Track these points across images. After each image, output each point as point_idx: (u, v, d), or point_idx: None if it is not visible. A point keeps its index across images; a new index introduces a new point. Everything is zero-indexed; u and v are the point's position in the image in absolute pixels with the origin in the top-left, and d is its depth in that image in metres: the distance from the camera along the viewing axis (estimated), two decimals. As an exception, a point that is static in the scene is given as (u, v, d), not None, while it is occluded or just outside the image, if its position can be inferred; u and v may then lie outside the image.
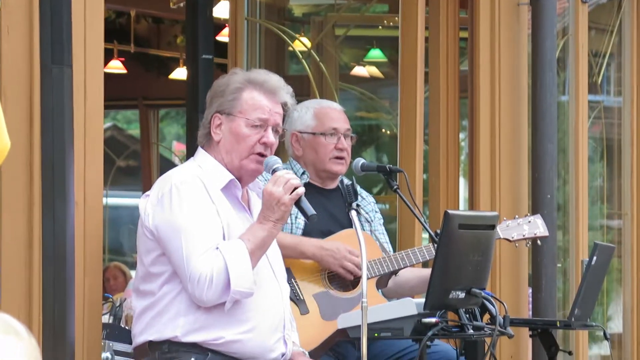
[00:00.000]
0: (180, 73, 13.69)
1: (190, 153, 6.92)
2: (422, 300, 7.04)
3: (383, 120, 9.75)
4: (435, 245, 7.17)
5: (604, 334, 9.65)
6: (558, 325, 7.91)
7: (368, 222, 7.52)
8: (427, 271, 7.23)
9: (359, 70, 10.57)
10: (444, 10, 8.40)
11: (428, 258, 7.37)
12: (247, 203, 6.65)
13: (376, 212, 7.83)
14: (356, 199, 7.37)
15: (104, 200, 6.85)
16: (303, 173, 7.41)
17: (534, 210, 8.15)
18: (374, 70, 10.48)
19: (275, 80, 6.69)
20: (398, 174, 7.63)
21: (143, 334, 6.55)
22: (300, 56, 9.84)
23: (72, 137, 6.37)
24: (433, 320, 6.97)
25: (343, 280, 7.30)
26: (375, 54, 10.47)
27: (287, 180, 6.27)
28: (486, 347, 7.25)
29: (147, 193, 6.62)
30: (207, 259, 6.24)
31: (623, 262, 9.98)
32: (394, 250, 7.73)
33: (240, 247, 6.27)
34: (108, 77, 7.41)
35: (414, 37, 8.38)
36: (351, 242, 7.11)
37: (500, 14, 8.36)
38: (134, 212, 6.69)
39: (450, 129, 8.44)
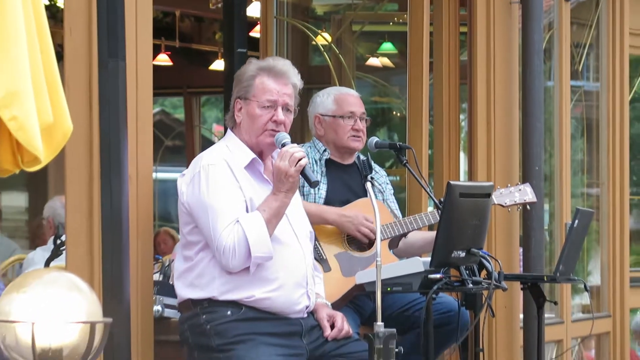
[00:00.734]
0: (218, 65, 13.66)
1: (225, 133, 6.92)
2: (428, 259, 7.02)
3: (394, 104, 9.71)
4: (439, 211, 7.15)
5: (585, 286, 9.61)
6: (545, 279, 7.89)
7: (381, 192, 7.48)
8: (432, 234, 7.20)
9: (373, 61, 10.51)
10: (446, 8, 8.36)
11: (433, 222, 7.34)
12: (265, 177, 6.60)
13: (387, 183, 7.81)
14: (371, 172, 7.38)
15: (154, 174, 6.83)
16: (325, 150, 7.39)
17: (524, 180, 8.12)
18: (385, 61, 10.43)
19: (281, 65, 6.70)
20: (407, 150, 7.60)
21: (185, 292, 6.60)
22: (322, 49, 9.80)
23: (125, 121, 6.35)
24: (438, 276, 6.96)
25: (360, 243, 7.28)
26: (387, 46, 10.42)
27: (291, 154, 6.25)
28: (483, 299, 7.22)
29: (183, 172, 6.69)
30: (229, 232, 6.30)
31: (601, 225, 9.95)
32: (403, 216, 7.70)
33: (257, 218, 6.32)
34: (156, 68, 7.41)
35: (420, 32, 8.35)
36: (367, 209, 7.09)
37: (494, 11, 8.32)
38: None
39: (451, 111, 8.41)
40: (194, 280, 6.57)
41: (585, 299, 10.08)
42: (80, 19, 6.60)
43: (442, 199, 7.19)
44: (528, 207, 7.91)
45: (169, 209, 7.21)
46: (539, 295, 7.87)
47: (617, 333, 9.98)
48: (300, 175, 6.31)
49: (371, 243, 7.18)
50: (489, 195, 7.31)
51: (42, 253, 8.69)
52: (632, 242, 11.32)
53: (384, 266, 6.76)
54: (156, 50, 8.61)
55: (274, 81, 6.58)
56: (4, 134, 4.24)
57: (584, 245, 8.57)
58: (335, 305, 6.93)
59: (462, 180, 8.35)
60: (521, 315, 8.31)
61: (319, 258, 7.09)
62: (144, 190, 6.68)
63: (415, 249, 7.48)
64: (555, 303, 8.53)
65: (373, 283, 6.59)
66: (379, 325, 6.46)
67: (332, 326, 6.68)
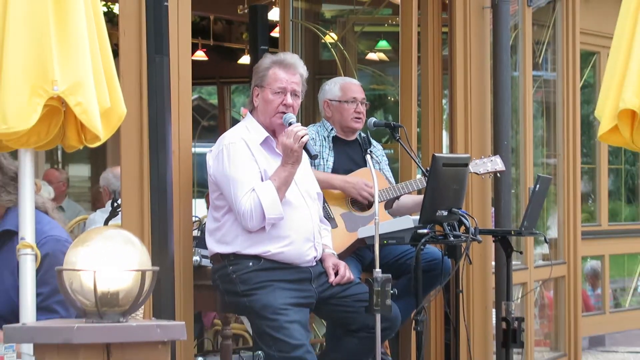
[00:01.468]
0: (245, 59, 13.62)
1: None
2: (417, 217, 7.02)
3: (389, 90, 9.69)
4: (426, 178, 7.15)
5: (545, 239, 9.58)
6: (512, 233, 7.88)
7: (378, 162, 7.47)
8: (420, 197, 7.21)
9: (371, 56, 10.47)
10: (430, 12, 8.34)
11: (420, 187, 7.33)
12: (278, 151, 6.61)
13: (383, 155, 7.80)
14: (370, 146, 7.42)
15: (193, 149, 6.80)
16: (332, 129, 7.38)
17: (495, 152, 8.10)
18: (382, 56, 10.38)
19: (290, 58, 6.80)
20: (399, 128, 7.61)
21: (215, 247, 6.63)
22: (330, 46, 9.77)
23: (169, 106, 6.34)
24: (425, 231, 6.97)
25: (361, 204, 7.26)
26: (383, 44, 10.37)
27: (295, 132, 6.31)
28: (462, 249, 7.22)
29: (211, 149, 6.74)
30: (247, 199, 6.35)
31: (557, 189, 9.94)
32: (396, 182, 7.68)
33: (269, 186, 6.38)
34: (194, 63, 7.40)
35: (409, 32, 8.32)
36: (366, 177, 7.08)
37: (470, 15, 8.30)
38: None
39: (435, 96, 8.39)
40: (221, 238, 6.60)
41: (545, 249, 10.09)
42: (132, 22, 6.58)
43: (428, 168, 7.20)
44: (498, 174, 7.91)
45: (205, 177, 7.21)
46: (507, 246, 7.86)
47: (571, 277, 9.98)
48: (303, 150, 6.38)
49: (370, 204, 7.16)
50: (466, 164, 7.32)
51: (101, 214, 8.70)
52: (583, 202, 11.32)
53: (381, 223, 6.76)
54: (194, 48, 8.59)
55: (284, 72, 6.62)
56: (70, 117, 4.23)
57: (543, 205, 8.56)
58: (341, 256, 6.93)
59: (445, 152, 8.31)
60: (493, 263, 8.29)
61: (327, 217, 7.09)
62: (184, 162, 6.67)
63: (406, 209, 7.47)
64: (521, 252, 8.53)
65: (372, 237, 6.60)
66: (377, 271, 6.45)
67: (337, 273, 6.69)
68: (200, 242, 7.03)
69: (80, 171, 15.11)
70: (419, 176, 7.55)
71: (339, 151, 7.38)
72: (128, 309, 3.88)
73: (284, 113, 6.51)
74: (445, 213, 6.99)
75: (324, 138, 7.34)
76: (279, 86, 6.56)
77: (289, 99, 6.56)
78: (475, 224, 7.20)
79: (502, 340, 7.91)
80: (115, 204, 8.02)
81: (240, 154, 6.51)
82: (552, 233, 10.13)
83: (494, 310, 8.19)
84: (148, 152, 6.43)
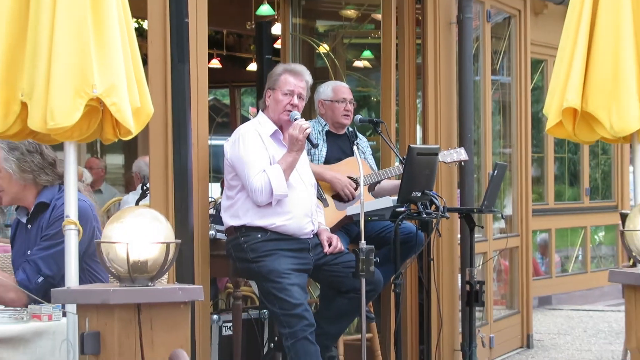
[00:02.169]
0: (252, 66, 13.60)
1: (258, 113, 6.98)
2: (396, 197, 7.01)
3: (372, 92, 9.68)
4: (403, 165, 7.14)
5: (501, 215, 9.60)
6: (475, 211, 7.86)
7: (363, 152, 7.45)
8: (398, 181, 7.21)
9: (358, 64, 10.44)
10: (406, 27, 8.31)
11: (398, 173, 7.32)
12: (284, 143, 6.64)
13: (367, 146, 7.78)
14: (356, 139, 7.49)
15: (209, 142, 6.82)
16: (325, 124, 7.39)
17: (460, 144, 8.08)
18: (366, 63, 10.35)
19: (299, 68, 6.87)
20: (381, 124, 7.61)
21: (229, 221, 6.65)
22: (323, 56, 9.74)
23: (189, 105, 6.33)
24: (402, 209, 6.97)
25: (341, 198, 7.28)
26: (367, 53, 10.34)
27: (300, 125, 6.45)
28: (433, 224, 7.21)
29: (228, 139, 6.80)
30: (259, 178, 6.43)
31: (512, 174, 9.94)
32: (378, 169, 7.67)
33: (277, 168, 6.47)
34: (210, 69, 7.38)
35: (389, 43, 8.31)
36: (354, 165, 7.04)
37: (439, 29, 8.27)
38: (226, 149, 6.78)
39: (411, 97, 8.37)
40: (234, 212, 6.63)
41: (502, 224, 10.08)
42: (158, 36, 6.56)
43: (404, 157, 7.20)
44: (462, 163, 7.90)
45: (219, 165, 7.24)
46: (470, 221, 7.85)
47: (524, 247, 9.98)
48: (306, 140, 6.49)
49: (356, 188, 7.15)
50: (436, 154, 7.32)
51: (133, 195, 8.68)
52: (533, 185, 11.32)
53: (365, 203, 6.76)
54: (210, 57, 8.58)
55: (294, 77, 6.69)
56: (107, 115, 4.22)
57: (500, 187, 8.56)
58: (332, 230, 6.93)
59: (418, 144, 8.30)
60: (458, 235, 8.28)
61: (321, 197, 7.08)
62: (202, 152, 6.67)
63: (386, 192, 7.46)
64: (482, 227, 8.53)
65: (358, 214, 6.61)
66: (363, 243, 6.45)
67: (330, 244, 6.70)
68: (215, 219, 7.02)
69: (115, 160, 15.10)
70: (397, 164, 7.54)
71: (330, 143, 7.37)
72: (155, 275, 3.88)
73: (290, 111, 6.60)
74: (419, 194, 7.00)
75: (319, 132, 7.33)
76: (288, 89, 6.64)
77: (295, 100, 6.65)
78: (443, 204, 7.19)
79: (466, 300, 7.90)
80: (145, 187, 8.01)
81: (254, 142, 6.58)
82: (508, 211, 10.13)
83: (459, 275, 8.18)
84: (172, 144, 6.43)
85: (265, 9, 11.22)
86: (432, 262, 7.76)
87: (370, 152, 7.85)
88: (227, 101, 17.99)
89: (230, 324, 7.16)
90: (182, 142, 6.37)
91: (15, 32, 4.24)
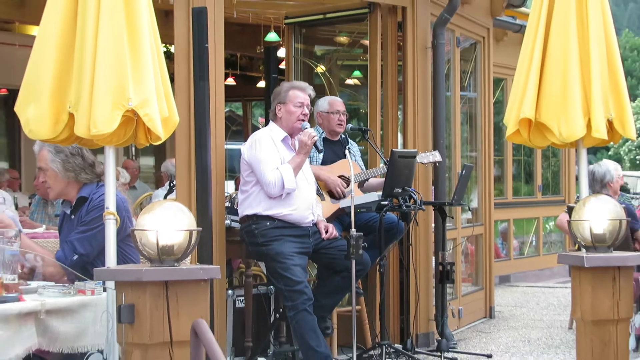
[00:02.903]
0: (261, 84, 13.60)
1: (267, 123, 6.95)
2: (380, 193, 7.02)
3: (361, 105, 9.69)
4: (386, 165, 7.14)
5: (468, 208, 9.60)
6: (446, 204, 7.86)
7: (354, 155, 7.45)
8: (382, 179, 7.21)
9: (349, 81, 10.44)
10: (389, 51, 8.29)
11: (383, 172, 7.31)
12: (294, 147, 6.64)
13: (357, 150, 7.79)
14: (348, 144, 7.49)
15: (225, 146, 6.81)
16: (322, 132, 7.39)
17: (434, 148, 8.08)
18: (356, 81, 10.35)
19: (303, 84, 6.87)
20: (368, 131, 7.60)
21: (243, 210, 6.64)
22: (320, 75, 9.73)
23: (209, 116, 6.34)
24: (386, 202, 6.97)
25: (340, 193, 7.26)
26: (357, 73, 10.34)
27: (309, 133, 6.52)
28: (412, 215, 7.21)
29: (244, 143, 6.75)
30: (273, 174, 6.43)
31: (477, 173, 9.92)
32: (366, 168, 7.66)
33: (288, 167, 6.48)
34: (226, 86, 7.39)
35: (375, 65, 8.29)
36: (346, 165, 7.04)
37: (417, 53, 8.26)
38: (239, 152, 6.75)
39: (393, 109, 8.35)
40: (249, 204, 6.62)
41: (469, 215, 10.07)
42: (183, 58, 6.56)
43: (388, 159, 7.20)
44: (436, 164, 7.90)
45: (233, 166, 7.25)
46: (442, 213, 7.85)
47: (487, 234, 9.97)
48: (313, 145, 6.55)
49: (339, 196, 7.19)
50: (414, 157, 7.32)
51: (162, 191, 8.68)
52: (495, 182, 11.31)
53: (356, 197, 6.77)
54: (226, 76, 8.59)
55: (301, 92, 6.71)
56: (140, 123, 4.22)
57: (468, 184, 8.55)
58: (328, 220, 6.93)
59: (399, 148, 8.29)
60: (433, 224, 8.27)
61: (319, 193, 7.08)
62: (219, 155, 6.66)
63: (373, 188, 7.46)
64: (452, 217, 8.51)
65: (349, 207, 6.61)
66: (353, 231, 6.45)
67: (326, 232, 6.70)
68: (230, 210, 7.02)
69: (147, 161, 15.09)
70: (381, 164, 7.52)
71: (327, 147, 7.36)
72: (180, 257, 3.87)
73: (302, 120, 6.65)
74: (400, 190, 7.01)
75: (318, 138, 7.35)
76: (299, 101, 6.66)
77: (306, 110, 6.69)
78: (420, 198, 7.20)
79: (439, 278, 7.90)
80: (172, 184, 8.01)
81: (268, 145, 6.58)
82: (474, 204, 10.12)
83: (433, 257, 8.18)
84: (194, 148, 6.43)
85: (272, 36, 11.24)
86: (410, 246, 7.77)
87: (360, 155, 7.85)
88: (240, 112, 18.03)
89: (243, 297, 7.15)
90: (202, 147, 6.37)
91: (64, 54, 4.24)
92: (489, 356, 7.63)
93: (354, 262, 6.52)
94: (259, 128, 7.07)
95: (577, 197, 5.12)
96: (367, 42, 8.53)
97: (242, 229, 6.70)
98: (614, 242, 4.53)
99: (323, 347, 6.49)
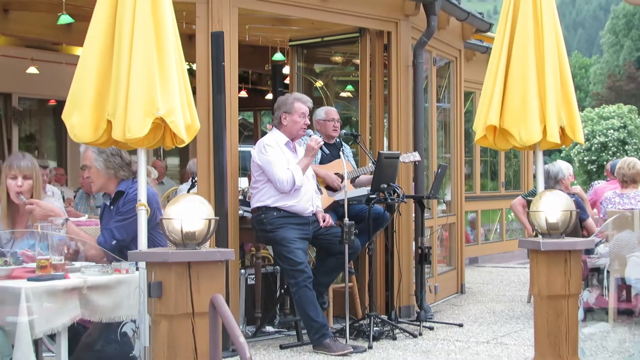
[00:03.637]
0: (269, 96, 13.57)
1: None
2: (369, 188, 7.01)
3: (353, 114, 9.69)
4: (374, 165, 7.13)
5: (443, 200, 9.58)
6: (425, 197, 7.85)
7: (347, 156, 7.46)
8: (371, 177, 7.19)
9: (343, 94, 10.42)
10: (377, 69, 8.30)
11: (371, 170, 7.31)
12: (295, 149, 6.64)
13: (350, 152, 7.79)
14: (342, 147, 7.47)
15: (239, 149, 6.81)
16: (320, 136, 7.34)
17: (414, 150, 8.06)
18: (349, 94, 10.33)
19: (306, 97, 6.83)
20: (359, 136, 7.60)
21: (254, 203, 6.65)
22: (318, 88, 9.72)
23: (225, 123, 6.33)
24: (374, 196, 6.96)
25: (337, 187, 7.25)
26: (349, 87, 10.31)
27: (316, 139, 6.58)
28: (395, 207, 7.20)
29: (253, 147, 6.76)
30: (284, 173, 6.45)
31: (450, 171, 9.90)
32: (357, 167, 7.66)
33: (298, 167, 6.50)
34: (239, 98, 7.38)
35: (365, 80, 8.30)
36: (340, 164, 7.03)
37: (400, 70, 8.24)
38: (250, 154, 6.73)
39: (380, 117, 8.35)
40: (259, 198, 6.62)
41: (443, 206, 10.07)
42: (203, 74, 6.55)
43: (375, 159, 7.19)
44: (416, 163, 7.90)
45: (245, 165, 7.25)
46: (422, 205, 7.84)
47: (459, 223, 9.97)
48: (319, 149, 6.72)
49: (336, 189, 7.19)
50: (398, 157, 7.31)
51: (185, 186, 8.65)
52: (465, 179, 11.31)
53: (348, 191, 6.76)
54: (239, 89, 8.61)
55: (303, 104, 6.71)
56: (167, 129, 4.20)
57: (443, 181, 8.54)
58: (325, 211, 6.92)
59: (385, 150, 8.28)
60: (413, 215, 8.27)
61: (317, 188, 7.08)
62: (233, 156, 6.65)
63: (363, 184, 7.46)
64: (429, 209, 8.52)
65: (343, 199, 6.62)
66: (346, 220, 6.46)
67: (324, 221, 6.70)
68: (243, 202, 7.02)
69: (173, 161, 15.09)
70: (370, 164, 7.52)
71: (324, 149, 7.36)
72: (201, 242, 3.87)
73: (305, 128, 6.72)
74: (385, 186, 7.01)
75: (317, 143, 7.35)
76: (302, 112, 6.67)
77: (307, 120, 6.72)
78: (403, 192, 7.20)
79: (418, 260, 7.91)
80: (194, 180, 7.99)
81: (275, 149, 6.57)
82: (448, 197, 10.12)
83: (413, 242, 8.18)
84: (213, 150, 6.43)
85: (278, 56, 11.21)
86: (394, 233, 7.77)
87: (352, 156, 7.85)
88: (251, 120, 17.99)
89: (253, 276, 7.15)
90: (219, 149, 6.37)
91: (103, 70, 4.24)
92: (460, 325, 7.63)
93: (347, 246, 6.53)
94: (266, 133, 7.04)
95: (532, 191, 5.11)
96: (358, 61, 8.53)
97: (253, 218, 6.69)
98: (565, 229, 4.54)
99: (321, 318, 6.50)
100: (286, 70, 10.66)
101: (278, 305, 7.28)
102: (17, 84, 11.79)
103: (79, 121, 4.23)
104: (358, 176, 7.48)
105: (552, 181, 7.96)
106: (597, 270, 7.56)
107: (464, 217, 10.40)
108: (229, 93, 6.52)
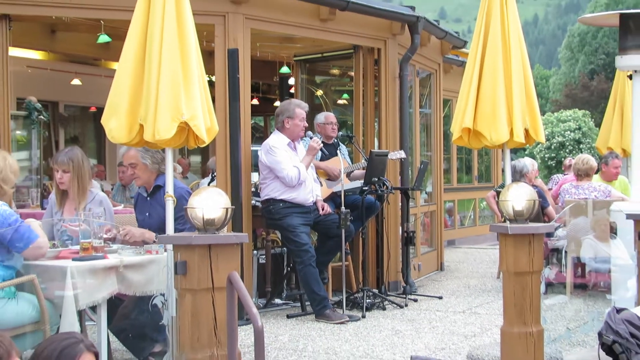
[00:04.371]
0: (277, 103, 13.53)
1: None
2: (362, 181, 7.00)
3: (348, 118, 9.68)
4: (367, 161, 7.11)
5: (425, 192, 9.56)
6: (409, 189, 7.85)
7: (343, 154, 7.46)
8: (364, 171, 7.19)
9: (340, 102, 10.41)
10: (369, 80, 8.30)
11: (364, 166, 7.30)
12: (295, 148, 6.64)
13: (346, 151, 7.80)
14: (339, 146, 7.40)
15: (251, 148, 6.80)
16: (320, 137, 7.34)
17: (401, 148, 8.06)
18: (345, 102, 10.31)
19: (304, 103, 6.84)
20: (353, 137, 7.60)
21: (263, 196, 6.64)
22: (319, 97, 9.71)
23: (240, 126, 6.30)
24: (366, 188, 6.94)
25: (336, 176, 7.23)
26: (345, 95, 10.28)
27: (317, 141, 6.57)
28: (385, 197, 7.19)
29: (260, 149, 6.71)
30: (293, 171, 6.44)
31: (432, 167, 9.90)
32: (352, 163, 7.65)
33: (302, 165, 6.49)
34: (252, 105, 7.38)
35: (359, 90, 8.30)
36: (338, 161, 7.05)
37: (388, 81, 8.24)
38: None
39: (371, 121, 8.36)
40: (267, 192, 6.59)
41: (425, 196, 10.06)
42: (221, 85, 6.54)
43: (367, 157, 7.17)
44: (402, 160, 7.89)
45: (257, 162, 7.28)
46: (407, 195, 7.84)
47: (438, 211, 9.97)
48: (319, 150, 6.62)
49: (337, 179, 7.17)
50: (386, 155, 7.31)
51: (206, 180, 8.65)
52: (444, 173, 11.29)
53: (344, 184, 6.75)
54: (252, 98, 8.61)
55: (302, 110, 6.69)
56: (191, 131, 4.19)
57: (426, 175, 8.53)
58: (324, 200, 6.92)
59: (376, 149, 8.27)
60: (399, 204, 8.27)
61: (318, 180, 7.07)
62: (247, 154, 6.65)
63: (357, 177, 7.45)
64: (413, 199, 8.51)
65: (340, 191, 6.59)
66: (343, 208, 6.45)
67: (322, 209, 6.69)
68: (255, 194, 7.02)
69: (196, 158, 15.07)
70: (363, 161, 7.52)
71: (323, 149, 7.35)
72: (219, 227, 3.85)
73: (304, 131, 6.68)
74: (376, 179, 7.00)
75: (318, 143, 7.34)
76: (302, 116, 6.64)
77: (305, 123, 6.69)
78: (391, 184, 7.19)
79: (404, 242, 7.92)
80: (213, 175, 7.99)
81: (281, 150, 6.53)
82: (429, 189, 10.11)
83: (400, 227, 8.18)
84: (229, 149, 6.41)
85: (284, 69, 11.20)
86: (384, 219, 7.78)
87: (347, 154, 7.85)
88: (262, 124, 17.96)
89: (264, 256, 7.15)
90: (235, 148, 6.36)
91: (136, 82, 4.23)
92: (440, 297, 7.64)
93: (343, 230, 6.53)
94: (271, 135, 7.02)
95: (502, 184, 5.09)
96: (352, 73, 8.52)
97: (263, 208, 6.69)
98: (529, 216, 4.53)
99: (322, 292, 6.51)
100: (291, 81, 10.64)
101: (285, 281, 7.28)
102: (63, 94, 11.82)
103: (116, 125, 4.22)
104: (353, 171, 7.47)
105: (518, 175, 7.95)
106: (557, 251, 7.56)
107: (442, 205, 10.39)
108: (243, 101, 6.52)
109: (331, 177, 7.24)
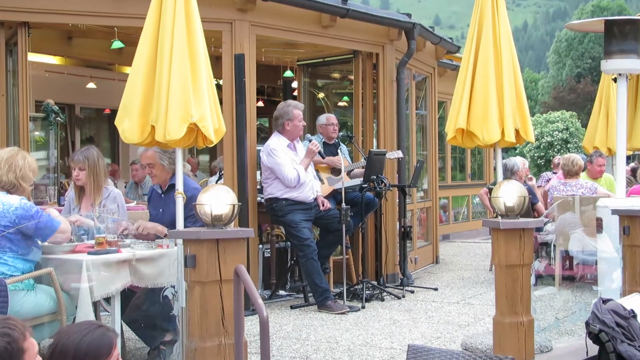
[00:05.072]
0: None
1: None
2: (362, 179, 6.99)
3: (348, 119, 9.66)
4: (366, 160, 7.10)
5: (421, 189, 9.54)
6: (407, 186, 7.84)
7: (344, 154, 7.44)
8: (363, 170, 7.17)
9: (340, 104, 10.38)
10: (368, 83, 8.28)
11: (363, 165, 7.29)
12: (295, 148, 6.62)
13: (346, 150, 7.77)
14: (340, 146, 7.38)
15: (257, 148, 6.81)
16: (322, 139, 7.33)
17: (398, 148, 8.05)
18: (345, 104, 10.29)
19: (301, 105, 6.77)
20: (353, 137, 7.59)
21: (266, 195, 6.62)
22: (320, 99, 9.69)
23: (246, 127, 6.31)
24: (366, 185, 6.93)
25: (337, 172, 7.22)
26: (345, 98, 10.27)
27: (316, 144, 6.53)
28: (383, 194, 7.18)
29: (261, 149, 6.69)
30: (293, 172, 6.41)
31: (427, 165, 9.88)
32: (352, 162, 7.63)
33: (301, 166, 6.45)
34: (257, 107, 7.37)
35: (358, 92, 8.28)
36: (338, 160, 7.02)
37: (386, 84, 8.24)
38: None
39: (370, 122, 8.34)
40: (270, 191, 6.58)
41: (421, 193, 10.05)
42: (228, 87, 6.53)
43: (367, 156, 7.16)
44: (400, 159, 7.88)
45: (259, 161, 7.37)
46: (404, 192, 7.83)
47: (434, 207, 9.96)
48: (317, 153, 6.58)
49: (340, 172, 7.15)
50: (385, 154, 7.29)
51: (214, 178, 8.63)
52: (439, 172, 11.27)
53: (345, 182, 6.74)
54: (257, 100, 8.59)
55: (300, 111, 6.65)
56: (200, 132, 4.18)
57: (421, 173, 8.52)
58: (326, 197, 6.91)
59: (375, 148, 8.26)
60: (397, 200, 8.26)
61: (318, 178, 7.07)
62: (252, 153, 6.64)
63: (356, 175, 7.44)
64: (410, 195, 8.50)
65: (341, 188, 6.58)
66: (343, 205, 6.44)
67: (323, 205, 6.68)
68: (260, 191, 7.01)
69: (204, 158, 15.05)
70: (362, 159, 7.51)
71: (325, 148, 7.33)
72: (227, 222, 3.85)
73: (304, 133, 6.71)
74: (375, 177, 6.98)
75: (320, 143, 7.29)
76: (300, 117, 6.61)
77: (304, 123, 6.68)
78: (389, 182, 7.18)
79: (401, 236, 7.90)
80: (221, 173, 7.98)
81: (281, 151, 6.51)
82: (425, 186, 10.10)
83: (397, 222, 8.18)
84: (236, 149, 6.40)
85: (288, 73, 11.18)
86: (382, 215, 7.77)
87: (347, 153, 7.83)
88: (267, 125, 17.94)
89: (269, 250, 7.15)
90: (241, 148, 6.35)
91: (148, 85, 4.22)
92: (436, 289, 7.63)
93: (344, 225, 6.52)
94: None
95: (494, 182, 5.07)
96: (352, 77, 8.51)
97: (267, 206, 6.68)
98: (520, 212, 4.52)
99: (324, 283, 6.51)
100: (295, 84, 10.64)
101: (289, 274, 7.28)
102: (79, 97, 11.83)
103: (129, 126, 4.22)
104: (353, 169, 7.46)
105: (509, 173, 7.95)
106: (546, 244, 7.56)
107: (438, 201, 10.38)
108: (248, 103, 6.51)
109: (335, 168, 7.23)
